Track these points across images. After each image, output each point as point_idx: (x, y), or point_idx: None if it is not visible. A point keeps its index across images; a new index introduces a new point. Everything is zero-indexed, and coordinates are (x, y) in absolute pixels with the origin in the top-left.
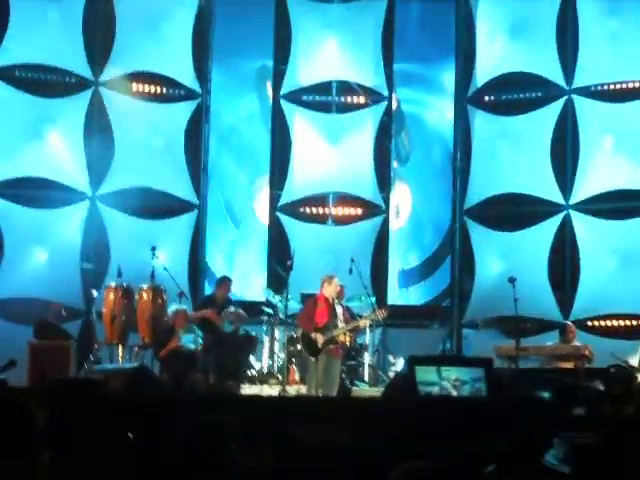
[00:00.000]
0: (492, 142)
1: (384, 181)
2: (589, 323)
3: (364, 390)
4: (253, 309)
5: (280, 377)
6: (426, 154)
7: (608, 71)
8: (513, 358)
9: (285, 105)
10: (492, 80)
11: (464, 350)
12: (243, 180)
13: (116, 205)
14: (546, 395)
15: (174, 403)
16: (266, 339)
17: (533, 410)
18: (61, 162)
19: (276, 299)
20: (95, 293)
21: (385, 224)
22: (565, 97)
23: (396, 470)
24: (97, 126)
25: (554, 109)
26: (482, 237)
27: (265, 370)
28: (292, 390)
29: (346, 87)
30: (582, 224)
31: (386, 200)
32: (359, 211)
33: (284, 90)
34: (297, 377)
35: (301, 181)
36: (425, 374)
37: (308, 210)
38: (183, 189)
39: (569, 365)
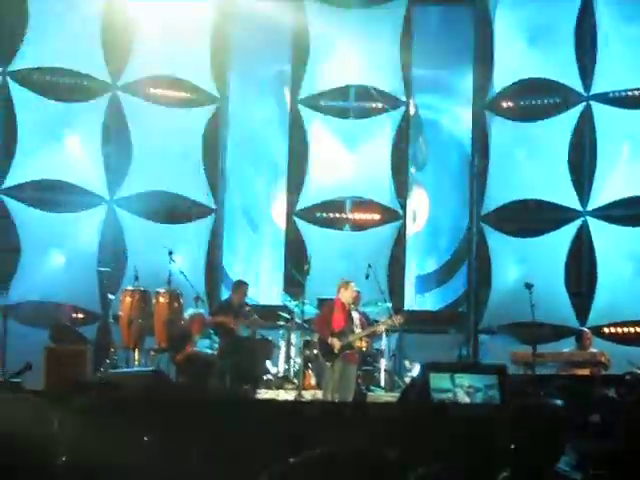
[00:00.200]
0: (509, 148)
1: (401, 186)
2: (606, 330)
3: (380, 395)
4: (269, 313)
5: (296, 382)
6: (443, 160)
7: (626, 77)
8: (529, 364)
9: (303, 110)
10: (510, 86)
11: (480, 356)
12: (260, 185)
13: (133, 209)
14: (559, 402)
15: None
16: (282, 344)
17: (546, 417)
18: (79, 166)
19: (292, 304)
20: (112, 297)
21: (402, 229)
22: (583, 103)
23: (415, 474)
24: (115, 130)
25: (572, 115)
26: (499, 243)
27: (281, 375)
28: (308, 395)
29: (364, 92)
30: (599, 230)
31: (403, 205)
32: (376, 216)
33: (302, 95)
34: (313, 382)
35: (318, 186)
36: (439, 381)
37: (325, 215)
38: (201, 193)
39: (585, 372)
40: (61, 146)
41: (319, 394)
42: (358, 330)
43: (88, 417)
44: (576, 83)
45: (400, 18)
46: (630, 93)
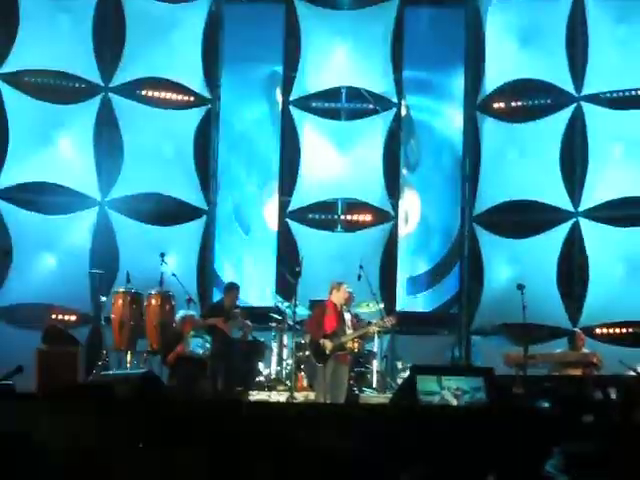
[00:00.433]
0: (501, 149)
1: (393, 188)
2: (597, 330)
3: (372, 397)
4: (261, 315)
5: (288, 383)
6: (435, 161)
7: (617, 78)
8: (521, 366)
9: (294, 111)
10: (501, 87)
11: (473, 357)
12: (252, 186)
13: (125, 211)
14: (546, 404)
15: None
16: (274, 345)
17: (532, 420)
18: (71, 168)
19: (284, 305)
20: (104, 299)
21: (394, 231)
22: (574, 104)
23: (402, 477)
24: (107, 132)
25: (563, 116)
26: (491, 244)
27: (273, 376)
28: (300, 396)
29: (355, 94)
30: (591, 231)
31: (395, 207)
32: (368, 217)
33: (293, 96)
34: (305, 383)
35: (310, 187)
36: (426, 383)
37: (317, 216)
38: (192, 195)
39: (577, 372)
40: (53, 148)
41: (311, 395)
42: (350, 331)
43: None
44: (567, 84)
45: (391, 19)
46: (621, 94)
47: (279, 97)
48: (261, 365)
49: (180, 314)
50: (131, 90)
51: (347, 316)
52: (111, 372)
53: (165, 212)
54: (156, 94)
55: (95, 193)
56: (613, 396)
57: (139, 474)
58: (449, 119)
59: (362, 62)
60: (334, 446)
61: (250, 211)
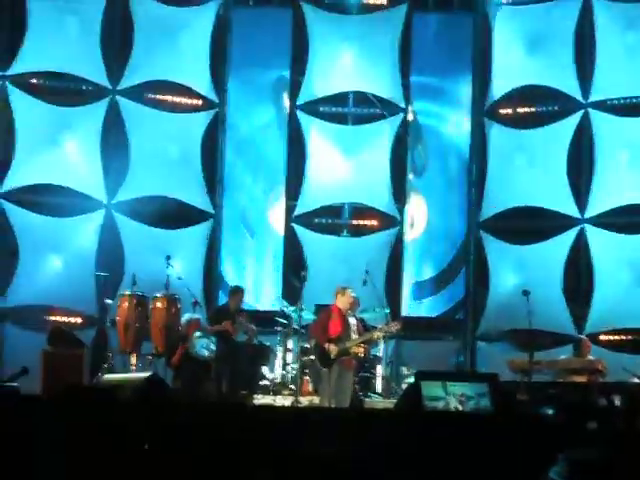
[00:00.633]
0: (508, 155)
1: (400, 193)
2: (603, 337)
3: (377, 402)
4: (267, 319)
5: (293, 388)
6: (442, 166)
7: (625, 85)
8: (526, 372)
9: (301, 116)
10: (509, 93)
11: (478, 363)
12: (258, 190)
13: (132, 214)
14: (550, 411)
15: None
16: (279, 349)
17: (536, 426)
18: (77, 170)
19: (290, 309)
20: (109, 301)
21: (400, 236)
22: (582, 111)
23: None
24: (114, 135)
25: (570, 123)
26: (497, 250)
27: (278, 380)
28: (305, 401)
29: (363, 99)
30: (597, 238)
31: (401, 212)
32: (374, 222)
33: (300, 101)
34: (310, 388)
35: (316, 192)
36: (431, 389)
37: (323, 221)
38: (199, 198)
39: (582, 379)
40: (59, 150)
41: (316, 400)
42: (355, 336)
43: None
44: (575, 91)
45: (399, 25)
46: (629, 101)
47: (286, 101)
48: (266, 369)
49: (185, 317)
50: (138, 93)
51: (352, 321)
52: (116, 375)
53: (171, 215)
54: (163, 97)
55: (102, 195)
56: (617, 403)
57: (140, 477)
58: (456, 125)
59: (370, 67)
60: (336, 452)
61: (256, 215)
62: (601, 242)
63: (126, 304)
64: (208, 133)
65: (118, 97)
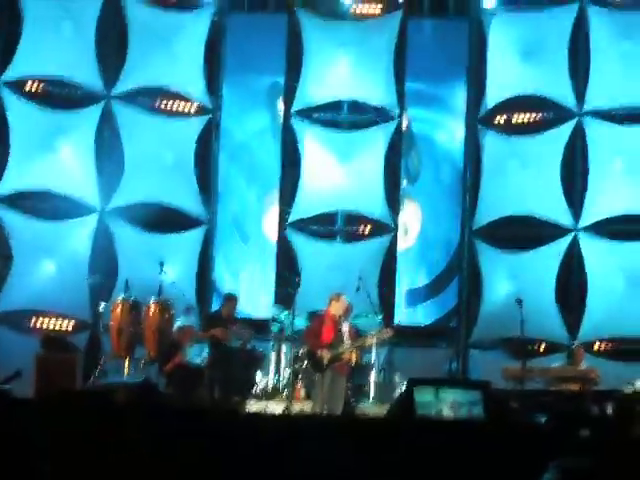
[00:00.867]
0: (502, 162)
1: (393, 200)
2: (596, 346)
3: (369, 408)
4: (260, 326)
5: (286, 394)
6: (436, 173)
7: (619, 94)
8: (520, 380)
9: (296, 122)
10: (503, 101)
11: (470, 371)
12: (252, 196)
13: (125, 219)
14: (542, 419)
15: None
16: (272, 355)
17: (528, 434)
18: (71, 175)
19: (283, 315)
20: (102, 306)
21: (393, 243)
22: (576, 119)
23: None
24: (108, 140)
25: (564, 131)
26: (490, 257)
27: (271, 386)
28: (297, 407)
29: (357, 105)
30: (591, 246)
31: (395, 219)
32: (368, 229)
33: (295, 107)
34: (303, 394)
35: (310, 198)
36: (423, 396)
37: (317, 227)
38: (192, 204)
39: (575, 388)
40: (54, 155)
41: (308, 406)
42: (348, 342)
43: None
44: (569, 99)
45: (394, 31)
46: (623, 109)
47: (281, 107)
48: (259, 375)
49: (178, 324)
50: (133, 98)
51: (345, 327)
52: (109, 380)
53: (165, 221)
54: (158, 103)
55: (95, 201)
56: (610, 412)
57: None
58: (450, 132)
59: (364, 73)
60: (325, 458)
61: (250, 221)
62: (595, 250)
63: (119, 309)
64: (202, 139)
65: (113, 102)
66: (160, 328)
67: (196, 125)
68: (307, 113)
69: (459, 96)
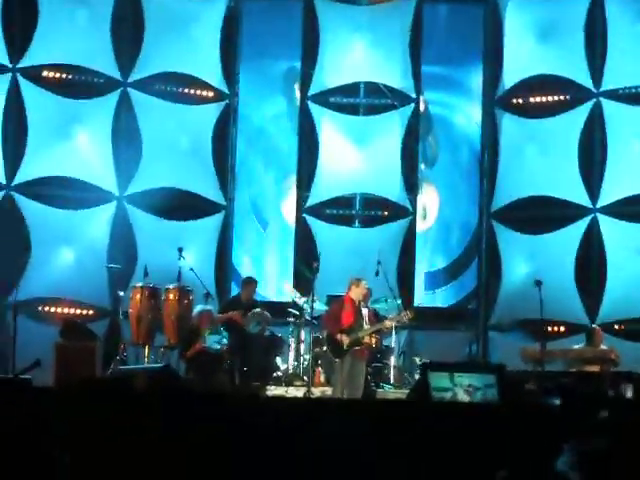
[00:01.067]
0: (520, 144)
1: (411, 183)
2: (616, 326)
3: (389, 392)
4: (279, 310)
5: (306, 378)
6: (453, 156)
7: (636, 74)
8: (539, 361)
9: (312, 107)
10: (520, 82)
11: (490, 353)
12: (270, 181)
13: (143, 206)
14: (557, 401)
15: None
16: (292, 340)
17: (543, 416)
18: (89, 162)
19: (302, 300)
20: (122, 293)
21: (412, 226)
22: (593, 100)
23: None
24: (125, 127)
25: (582, 112)
26: (509, 240)
27: (291, 371)
28: (317, 391)
29: (374, 89)
30: (609, 227)
31: (413, 202)
32: (386, 213)
33: (312, 92)
34: (322, 378)
35: (328, 183)
36: (439, 380)
37: (335, 212)
38: (210, 190)
39: (595, 369)
40: (71, 143)
41: (328, 391)
42: (367, 326)
43: None
44: (586, 80)
45: (410, 14)
46: None
47: (297, 92)
48: (278, 360)
49: (197, 309)
50: (149, 85)
51: (364, 311)
52: (129, 366)
53: (183, 207)
54: (174, 89)
55: (113, 188)
56: (629, 393)
57: (153, 468)
58: (467, 114)
59: (380, 58)
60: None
61: (268, 206)
62: (613, 231)
63: (138, 296)
64: (219, 125)
65: (129, 89)
66: (179, 314)
67: (213, 111)
68: (324, 97)
69: (476, 78)
